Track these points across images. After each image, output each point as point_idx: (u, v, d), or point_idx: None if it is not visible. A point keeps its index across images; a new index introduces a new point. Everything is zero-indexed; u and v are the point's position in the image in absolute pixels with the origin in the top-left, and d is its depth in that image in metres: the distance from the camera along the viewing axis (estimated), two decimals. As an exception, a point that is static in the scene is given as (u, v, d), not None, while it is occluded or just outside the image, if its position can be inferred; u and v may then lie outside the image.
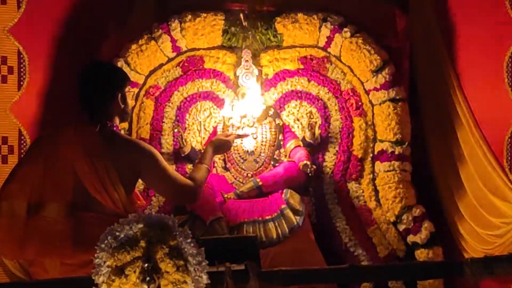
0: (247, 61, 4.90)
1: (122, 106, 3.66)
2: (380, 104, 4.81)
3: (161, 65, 4.96)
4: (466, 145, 4.64)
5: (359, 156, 4.87)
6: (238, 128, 4.74)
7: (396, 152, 4.75)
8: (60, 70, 4.60)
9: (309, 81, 4.96)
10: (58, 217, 3.39)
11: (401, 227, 4.71)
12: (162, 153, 4.85)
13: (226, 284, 2.82)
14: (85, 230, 3.34)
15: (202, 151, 4.70)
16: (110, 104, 3.61)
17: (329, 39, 4.85)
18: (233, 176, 4.82)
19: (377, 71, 4.77)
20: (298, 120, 4.96)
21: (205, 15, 4.86)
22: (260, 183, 4.66)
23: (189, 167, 4.89)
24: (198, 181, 3.88)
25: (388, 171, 4.77)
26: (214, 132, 4.91)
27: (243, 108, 4.77)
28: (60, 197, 3.41)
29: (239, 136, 4.69)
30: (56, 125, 3.89)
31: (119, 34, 4.88)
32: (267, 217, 4.56)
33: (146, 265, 2.63)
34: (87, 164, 3.40)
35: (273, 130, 4.86)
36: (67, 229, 3.37)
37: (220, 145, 4.35)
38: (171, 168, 3.73)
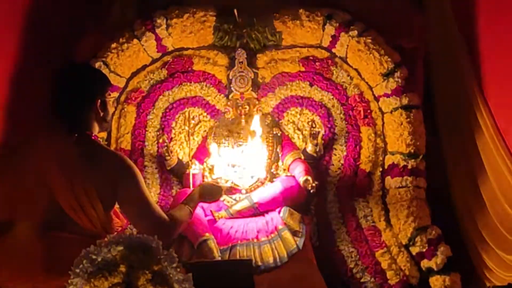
0: (242, 62, 4.92)
1: (102, 113, 3.66)
2: (391, 111, 4.81)
3: (144, 67, 4.98)
4: (488, 160, 4.63)
5: (367, 171, 4.86)
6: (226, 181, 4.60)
7: (409, 166, 4.74)
8: (30, 72, 4.57)
9: (311, 85, 4.97)
10: (30, 238, 3.38)
11: (414, 251, 4.69)
12: (145, 166, 4.87)
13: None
14: (60, 252, 3.33)
15: (190, 162, 4.72)
16: (89, 111, 3.60)
17: (334, 39, 4.85)
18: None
19: (388, 75, 4.76)
20: (298, 129, 4.97)
21: (194, 10, 4.87)
22: (256, 201, 4.66)
23: (175, 181, 4.90)
24: (175, 220, 3.84)
25: (399, 187, 4.76)
26: (204, 143, 4.92)
27: (234, 157, 4.70)
28: (32, 216, 3.40)
29: (229, 190, 4.62)
30: (25, 134, 3.88)
31: (98, 32, 4.88)
32: (262, 239, 4.54)
33: (126, 292, 2.63)
34: (62, 179, 3.39)
35: (270, 140, 4.87)
36: (40, 251, 3.35)
37: (209, 191, 4.31)
38: (151, 196, 3.71)
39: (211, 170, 4.79)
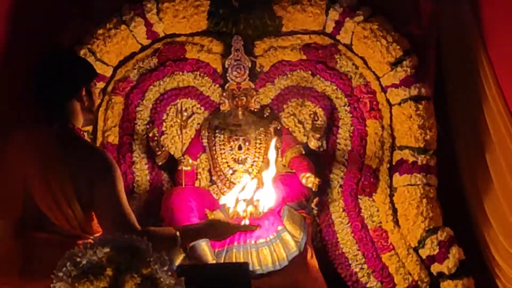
0: (238, 50, 4.89)
1: (87, 103, 3.63)
2: (399, 103, 4.79)
3: (133, 55, 4.96)
4: (503, 154, 4.64)
5: (374, 167, 4.84)
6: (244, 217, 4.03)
7: (419, 162, 4.73)
8: (11, 59, 4.57)
9: (313, 75, 4.94)
10: (5, 237, 3.37)
11: (424, 254, 4.69)
12: (134, 162, 4.85)
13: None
14: (37, 254, 3.31)
15: (183, 159, 4.70)
16: (72, 99, 3.58)
17: (338, 24, 4.83)
18: (220, 190, 4.80)
19: (396, 64, 4.75)
20: (299, 122, 4.95)
21: (187, -7, 4.87)
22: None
23: (165, 177, 4.89)
24: (147, 236, 3.60)
25: (408, 185, 4.75)
26: (197, 137, 4.91)
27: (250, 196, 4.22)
28: (8, 213, 3.38)
29: (245, 228, 3.94)
30: (5, 126, 3.87)
31: (83, 17, 4.86)
32: (260, 241, 4.51)
33: (113, 298, 2.61)
34: (39, 175, 3.38)
35: (269, 134, 4.85)
36: (15, 251, 3.34)
37: (216, 229, 3.72)
38: (126, 200, 3.61)
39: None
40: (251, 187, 4.21)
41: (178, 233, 3.50)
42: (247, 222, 3.88)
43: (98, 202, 3.41)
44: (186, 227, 3.81)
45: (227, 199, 4.20)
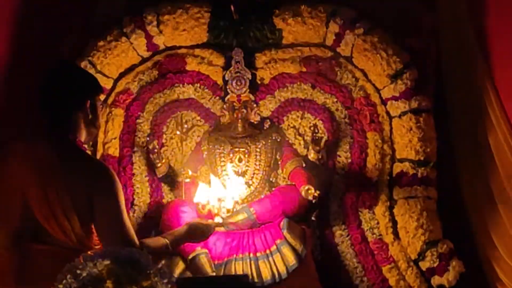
0: (239, 62, 4.90)
1: (91, 115, 3.62)
2: (399, 116, 4.79)
3: (133, 67, 4.96)
4: (504, 167, 4.63)
5: (374, 179, 4.84)
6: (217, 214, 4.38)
7: (419, 175, 4.73)
8: (12, 71, 4.57)
9: (313, 87, 4.95)
10: (1, 248, 3.36)
11: (424, 266, 4.68)
12: (134, 174, 4.85)
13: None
14: (33, 265, 3.29)
15: (183, 171, 4.71)
16: (76, 111, 3.58)
17: (339, 37, 4.84)
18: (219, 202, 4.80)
19: (396, 76, 4.75)
20: (299, 135, 4.94)
21: (188, 6, 4.86)
22: (254, 214, 4.62)
23: (165, 189, 4.89)
24: (146, 248, 3.66)
25: (408, 197, 4.74)
26: (197, 150, 4.92)
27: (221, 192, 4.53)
28: (5, 224, 3.39)
29: (219, 225, 4.32)
30: (5, 136, 3.87)
31: (84, 29, 4.87)
32: (260, 254, 4.52)
33: (113, 310, 2.61)
34: (37, 187, 3.37)
35: (269, 147, 4.85)
36: (11, 262, 3.33)
37: (197, 230, 3.94)
38: (126, 214, 3.60)
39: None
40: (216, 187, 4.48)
41: (168, 242, 3.61)
42: (219, 220, 4.12)
43: (98, 215, 3.40)
44: (172, 234, 3.83)
45: (199, 198, 4.41)
